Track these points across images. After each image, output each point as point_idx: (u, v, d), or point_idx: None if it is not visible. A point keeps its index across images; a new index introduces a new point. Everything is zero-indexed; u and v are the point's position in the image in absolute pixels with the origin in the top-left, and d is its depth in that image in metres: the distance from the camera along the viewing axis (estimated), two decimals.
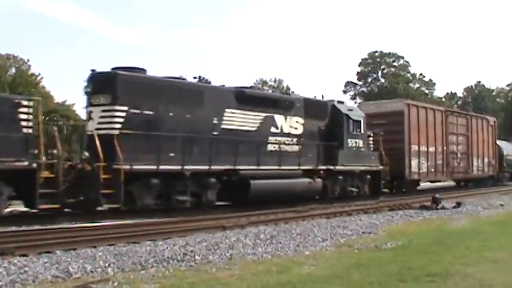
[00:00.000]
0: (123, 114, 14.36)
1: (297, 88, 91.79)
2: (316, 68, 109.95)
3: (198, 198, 15.72)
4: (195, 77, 17.14)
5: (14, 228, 11.47)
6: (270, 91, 55.93)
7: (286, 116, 18.64)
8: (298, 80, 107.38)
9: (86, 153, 14.13)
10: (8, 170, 12.30)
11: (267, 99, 18.16)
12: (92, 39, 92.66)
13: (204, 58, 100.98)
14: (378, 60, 78.53)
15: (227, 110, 16.82)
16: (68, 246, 9.28)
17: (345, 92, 79.22)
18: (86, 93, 14.88)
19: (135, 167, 13.97)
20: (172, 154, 15.09)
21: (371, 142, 22.40)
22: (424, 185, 29.33)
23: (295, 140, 18.83)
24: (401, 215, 16.28)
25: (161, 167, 14.50)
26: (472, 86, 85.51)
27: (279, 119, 18.35)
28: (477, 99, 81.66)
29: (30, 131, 12.94)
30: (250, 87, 17.98)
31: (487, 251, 9.29)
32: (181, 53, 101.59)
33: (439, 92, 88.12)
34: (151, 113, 14.99)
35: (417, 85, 79.41)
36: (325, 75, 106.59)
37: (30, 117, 13.10)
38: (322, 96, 22.16)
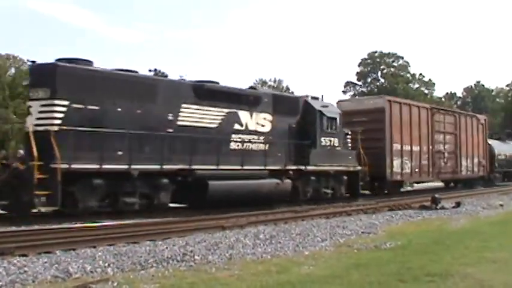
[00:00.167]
0: (64, 109, 13.24)
1: (297, 88, 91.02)
2: (315, 68, 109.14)
3: (149, 200, 14.57)
4: (150, 70, 16.01)
5: (13, 228, 11.32)
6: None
7: (252, 112, 17.42)
8: (298, 80, 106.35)
9: (21, 151, 13.07)
10: None
11: (230, 94, 16.85)
12: (92, 39, 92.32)
13: (204, 58, 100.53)
14: (378, 60, 78.07)
15: (184, 105, 15.64)
16: (67, 246, 9.22)
17: (344, 92, 78.62)
18: (27, 86, 13.81)
19: (74, 166, 12.83)
20: (120, 153, 13.97)
21: (349, 141, 21.10)
22: (416, 186, 28.60)
23: (262, 138, 17.60)
24: (401, 215, 16.16)
25: (104, 166, 13.35)
26: (471, 86, 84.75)
27: (243, 115, 17.13)
28: (477, 99, 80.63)
29: None
30: (211, 82, 16.71)
31: (486, 251, 9.24)
32: (181, 53, 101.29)
33: (439, 92, 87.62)
34: (96, 108, 13.84)
35: (417, 85, 78.94)
36: (324, 76, 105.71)
37: None
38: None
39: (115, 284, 6.73)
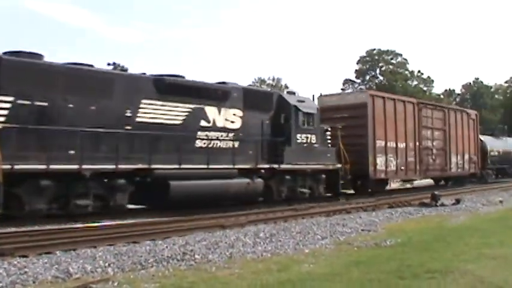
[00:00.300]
0: (8, 105, 12.40)
1: (295, 86, 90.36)
2: (314, 66, 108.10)
3: (104, 201, 13.67)
4: (109, 64, 15.09)
5: (13, 229, 11.19)
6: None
7: (220, 107, 16.46)
8: (297, 78, 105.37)
9: None
10: None
11: (195, 89, 15.84)
12: (91, 39, 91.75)
13: (203, 57, 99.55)
14: (376, 57, 77.53)
15: (144, 101, 14.73)
16: (67, 246, 9.19)
17: (343, 90, 77.44)
18: None
19: (17, 166, 11.93)
20: (72, 152, 13.08)
21: (328, 138, 20.08)
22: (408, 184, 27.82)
23: (231, 135, 16.64)
24: (401, 212, 16.17)
25: (52, 166, 12.45)
26: (470, 82, 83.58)
27: (210, 111, 16.17)
28: (475, 96, 79.56)
29: None
30: (176, 76, 15.74)
31: (486, 248, 9.25)
32: (181, 53, 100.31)
33: (438, 89, 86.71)
34: (44, 104, 12.99)
35: (415, 82, 78.22)
36: (323, 73, 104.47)
37: None
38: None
39: (115, 283, 6.75)
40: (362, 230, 12.24)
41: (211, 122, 16.17)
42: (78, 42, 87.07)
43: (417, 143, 24.19)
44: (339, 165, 19.78)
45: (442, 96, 77.13)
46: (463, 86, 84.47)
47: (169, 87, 15.20)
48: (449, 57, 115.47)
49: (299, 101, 18.88)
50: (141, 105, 14.65)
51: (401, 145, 23.18)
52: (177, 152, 14.78)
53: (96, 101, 13.76)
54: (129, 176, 13.97)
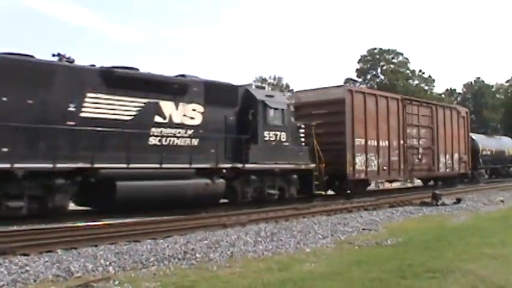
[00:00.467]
0: None
1: (296, 85, 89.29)
2: (315, 65, 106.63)
3: (42, 203, 12.58)
4: (54, 55, 13.86)
5: (15, 227, 11.20)
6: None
7: (178, 102, 15.30)
8: (298, 77, 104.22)
9: None
10: None
11: (149, 82, 14.68)
12: (91, 38, 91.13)
13: (203, 57, 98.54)
14: (377, 57, 76.56)
15: (89, 94, 13.60)
16: (69, 245, 9.15)
17: None
18: None
19: None
20: (5, 149, 12.01)
21: (302, 135, 18.87)
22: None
23: (190, 132, 15.49)
24: (402, 211, 16.11)
25: None
26: (471, 82, 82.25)
27: (166, 106, 15.02)
28: (477, 95, 78.27)
29: None
30: (127, 67, 14.58)
31: (487, 247, 9.22)
32: (181, 52, 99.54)
33: (439, 88, 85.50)
34: None
35: (416, 81, 77.24)
36: (324, 72, 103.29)
37: None
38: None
39: (116, 282, 6.73)
40: (363, 229, 12.21)
41: (167, 117, 15.02)
42: (78, 41, 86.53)
43: (401, 142, 22.92)
44: (313, 165, 18.58)
45: (443, 96, 75.91)
46: (464, 85, 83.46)
47: (118, 80, 14.08)
48: (450, 56, 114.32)
49: (268, 95, 17.72)
50: (86, 99, 13.53)
51: (384, 143, 21.92)
52: (126, 150, 13.68)
53: (34, 94, 12.68)
54: (69, 176, 12.87)
